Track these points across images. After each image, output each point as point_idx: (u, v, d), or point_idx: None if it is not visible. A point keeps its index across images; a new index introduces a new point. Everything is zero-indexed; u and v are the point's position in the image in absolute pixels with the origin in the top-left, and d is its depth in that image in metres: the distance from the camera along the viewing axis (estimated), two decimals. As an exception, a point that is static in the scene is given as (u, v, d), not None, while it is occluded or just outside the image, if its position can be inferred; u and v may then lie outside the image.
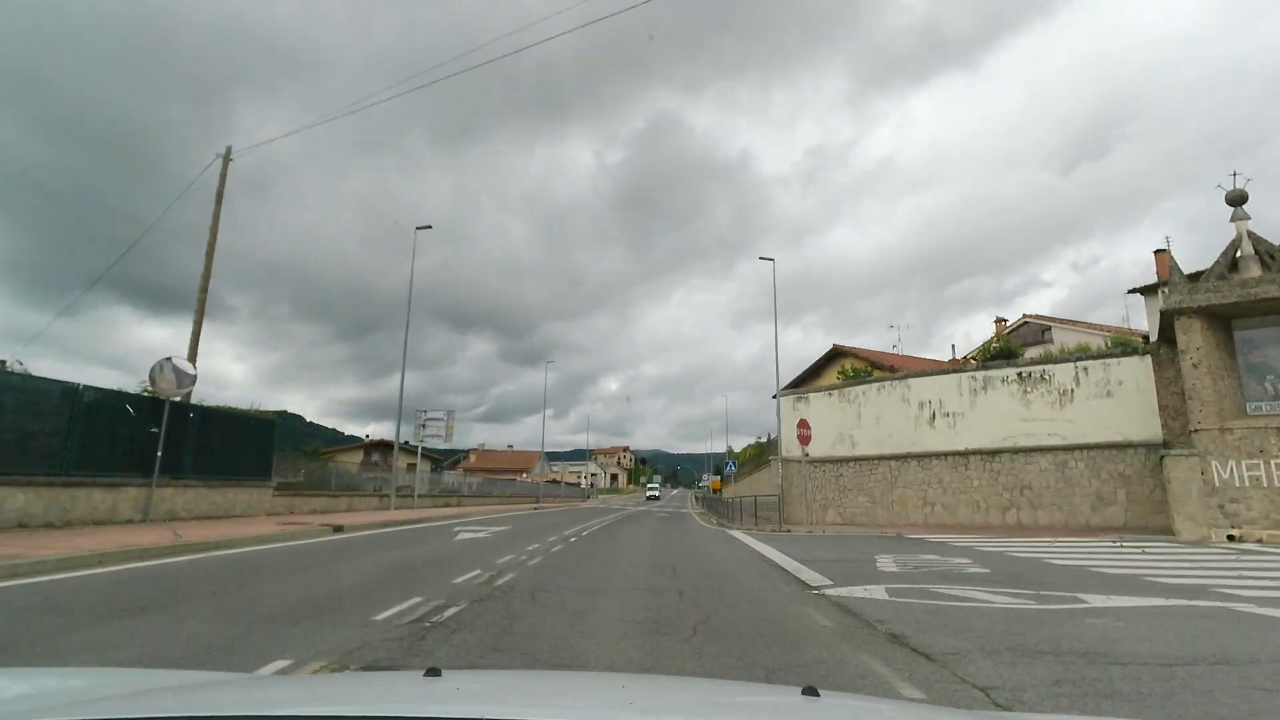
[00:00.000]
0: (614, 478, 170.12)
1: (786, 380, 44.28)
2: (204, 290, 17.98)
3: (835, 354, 36.96)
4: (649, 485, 78.86)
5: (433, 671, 1.57)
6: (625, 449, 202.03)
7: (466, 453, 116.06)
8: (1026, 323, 39.95)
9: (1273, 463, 14.42)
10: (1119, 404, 18.62)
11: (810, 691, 1.60)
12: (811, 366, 39.10)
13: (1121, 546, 13.56)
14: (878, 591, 7.72)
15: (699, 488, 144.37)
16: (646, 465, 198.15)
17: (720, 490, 76.93)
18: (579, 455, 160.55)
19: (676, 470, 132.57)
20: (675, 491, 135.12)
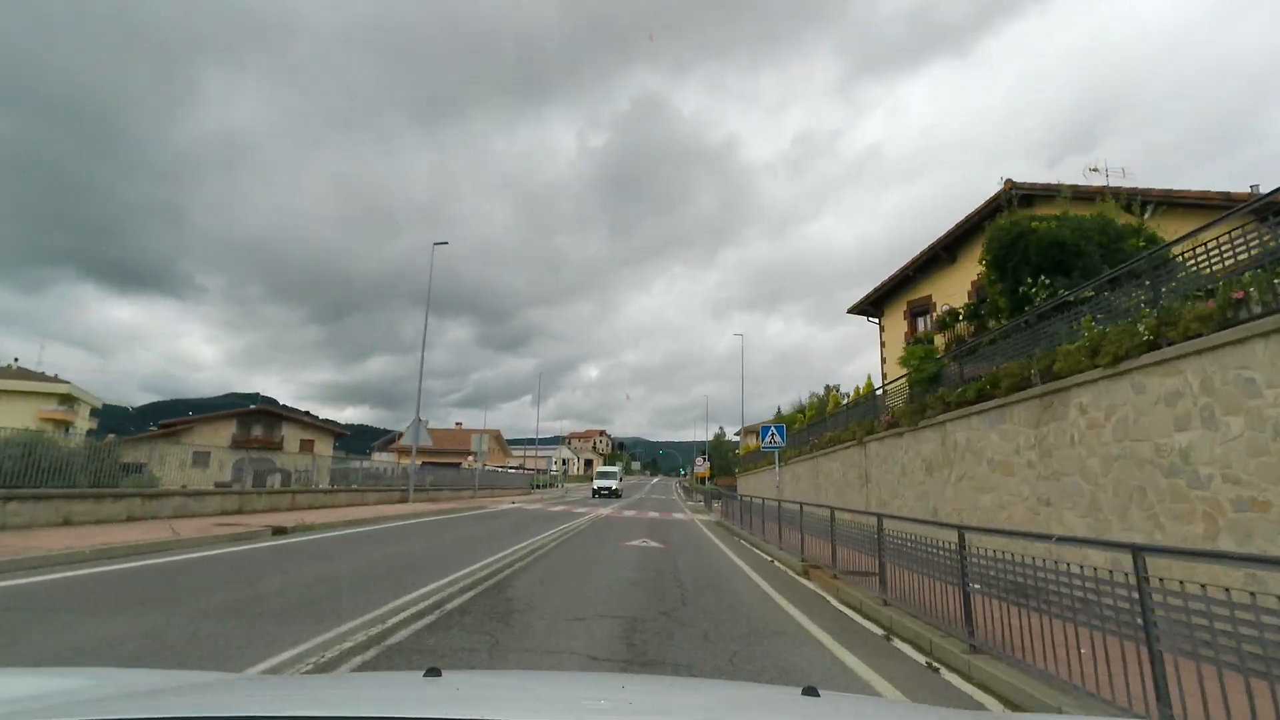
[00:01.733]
0: (588, 464, 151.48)
1: (863, 295, 23.20)
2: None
3: (1014, 196, 15.44)
4: (601, 471, 54.68)
5: (433, 672, 1.57)
6: (601, 433, 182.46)
7: (400, 432, 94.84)
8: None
9: None
10: None
11: (810, 691, 1.58)
12: (963, 225, 18.06)
13: None
14: None
15: (682, 475, 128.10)
16: (624, 450, 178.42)
17: (711, 479, 56.50)
18: (559, 441, 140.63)
19: (659, 455, 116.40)
20: (655, 480, 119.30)
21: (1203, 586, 3.10)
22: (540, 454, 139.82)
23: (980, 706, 4.17)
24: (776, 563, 11.17)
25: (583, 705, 1.52)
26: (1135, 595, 3.38)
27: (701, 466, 53.06)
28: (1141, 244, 9.25)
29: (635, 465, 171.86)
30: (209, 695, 1.49)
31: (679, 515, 24.79)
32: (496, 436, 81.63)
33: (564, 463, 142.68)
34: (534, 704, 1.52)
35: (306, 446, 58.57)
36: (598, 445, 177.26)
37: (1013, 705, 4.16)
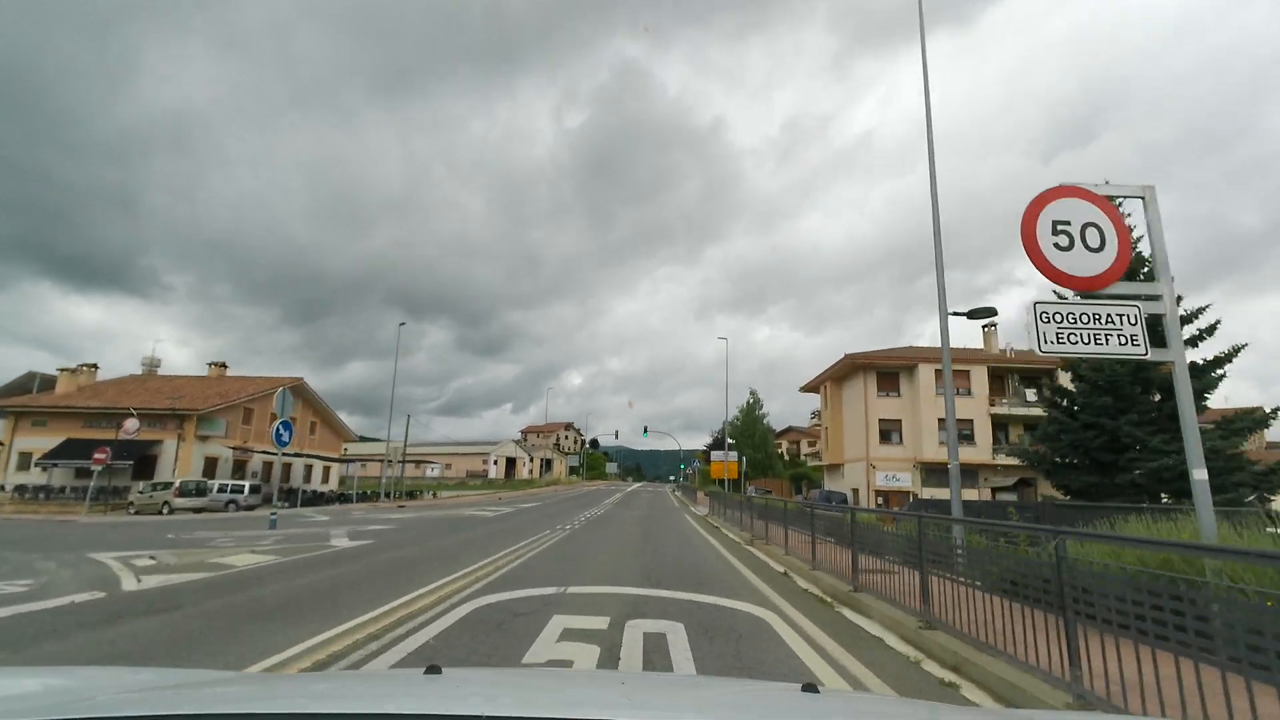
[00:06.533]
0: (547, 464, 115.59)
1: None
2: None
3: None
4: None
5: (433, 669, 1.60)
6: (567, 426, 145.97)
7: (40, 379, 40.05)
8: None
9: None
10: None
11: (810, 688, 1.58)
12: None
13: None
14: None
15: (676, 481, 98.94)
16: (597, 449, 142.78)
17: (737, 484, 32.71)
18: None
19: (644, 434, 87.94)
20: (633, 487, 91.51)
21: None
22: (476, 451, 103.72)
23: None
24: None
25: (582, 702, 1.52)
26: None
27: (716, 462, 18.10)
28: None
29: (612, 468, 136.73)
30: (208, 694, 1.50)
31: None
32: (299, 390, 39.75)
33: (507, 460, 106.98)
34: (533, 701, 1.50)
35: None
36: (561, 442, 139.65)
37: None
